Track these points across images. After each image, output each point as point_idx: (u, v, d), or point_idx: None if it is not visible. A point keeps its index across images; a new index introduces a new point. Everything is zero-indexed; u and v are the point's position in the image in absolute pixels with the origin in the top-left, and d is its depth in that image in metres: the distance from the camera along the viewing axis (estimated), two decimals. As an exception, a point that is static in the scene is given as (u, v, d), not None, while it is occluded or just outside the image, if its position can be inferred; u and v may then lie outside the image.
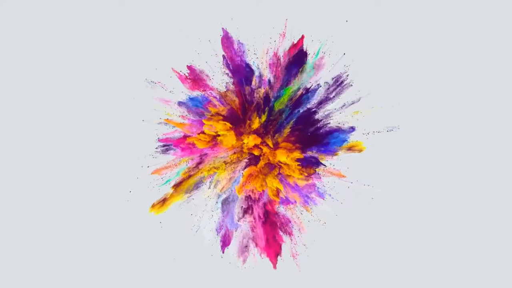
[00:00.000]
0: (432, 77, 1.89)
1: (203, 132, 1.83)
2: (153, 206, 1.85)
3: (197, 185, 1.87)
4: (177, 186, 1.88)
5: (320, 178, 1.86)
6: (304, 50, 1.85)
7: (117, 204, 1.87)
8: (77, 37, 1.87)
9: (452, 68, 1.89)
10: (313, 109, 1.87)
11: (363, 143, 1.87)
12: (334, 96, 1.87)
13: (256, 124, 1.81)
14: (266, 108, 1.84)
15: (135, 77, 1.85)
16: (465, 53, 1.89)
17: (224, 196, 1.87)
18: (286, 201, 1.87)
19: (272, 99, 1.85)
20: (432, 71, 1.89)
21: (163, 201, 1.86)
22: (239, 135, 1.85)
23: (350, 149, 1.90)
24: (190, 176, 1.86)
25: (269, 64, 1.85)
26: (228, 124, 1.82)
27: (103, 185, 1.88)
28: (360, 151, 1.88)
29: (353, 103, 1.86)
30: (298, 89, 1.85)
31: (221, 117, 1.83)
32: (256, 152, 1.85)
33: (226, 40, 1.81)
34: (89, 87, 1.89)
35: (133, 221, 1.86)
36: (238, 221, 1.83)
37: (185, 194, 1.86)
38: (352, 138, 1.88)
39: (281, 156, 1.85)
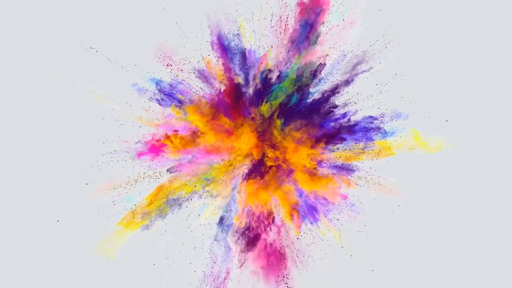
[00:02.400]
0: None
1: (175, 132, 1.61)
2: (101, 244, 1.56)
3: (166, 212, 1.63)
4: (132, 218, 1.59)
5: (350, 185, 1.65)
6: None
7: (42, 239, 1.57)
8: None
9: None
10: (334, 89, 1.63)
11: (443, 140, 1.55)
12: (367, 70, 1.61)
13: (257, 121, 1.62)
14: (266, 92, 1.62)
15: (64, 41, 1.56)
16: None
17: (217, 222, 1.64)
18: (311, 217, 1.61)
19: (276, 81, 1.64)
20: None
21: (110, 239, 1.59)
22: (230, 133, 1.64)
23: (414, 146, 1.56)
24: (156, 198, 1.64)
25: (273, 25, 1.60)
26: (216, 120, 1.59)
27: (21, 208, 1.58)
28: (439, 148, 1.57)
29: (399, 78, 1.58)
30: (311, 64, 1.62)
31: (201, 107, 1.61)
32: (256, 155, 1.64)
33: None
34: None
35: (65, 267, 1.58)
36: (239, 264, 1.60)
37: (147, 224, 1.61)
38: (407, 130, 1.62)
39: (300, 156, 1.61)
